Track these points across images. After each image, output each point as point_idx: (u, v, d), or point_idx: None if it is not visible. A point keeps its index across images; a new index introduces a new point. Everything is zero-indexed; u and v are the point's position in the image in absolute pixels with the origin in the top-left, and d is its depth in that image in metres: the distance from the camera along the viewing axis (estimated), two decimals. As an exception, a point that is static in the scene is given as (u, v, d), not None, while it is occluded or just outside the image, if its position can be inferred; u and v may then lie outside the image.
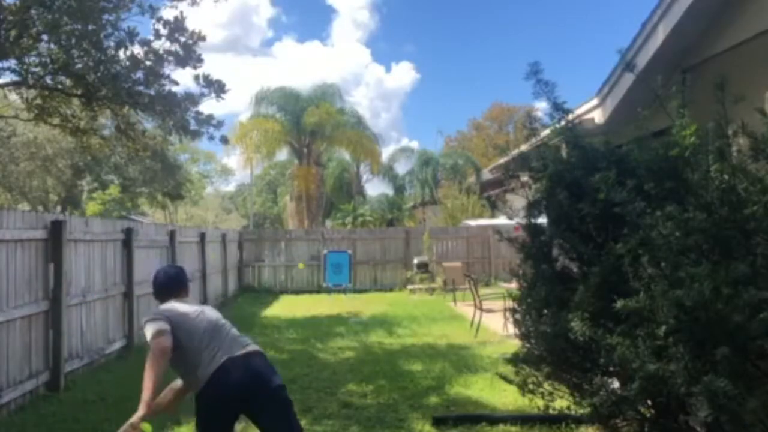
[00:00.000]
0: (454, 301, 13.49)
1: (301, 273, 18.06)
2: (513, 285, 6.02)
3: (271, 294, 16.99)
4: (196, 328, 3.24)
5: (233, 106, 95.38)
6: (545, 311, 4.00)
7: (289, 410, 3.27)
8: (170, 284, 3.59)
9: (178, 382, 3.42)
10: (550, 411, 4.15)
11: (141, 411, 2.96)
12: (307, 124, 25.11)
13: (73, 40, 8.36)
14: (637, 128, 3.71)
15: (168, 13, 11.19)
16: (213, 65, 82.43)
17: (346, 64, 76.38)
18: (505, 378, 4.53)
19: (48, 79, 9.24)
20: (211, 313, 3.46)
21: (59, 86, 9.41)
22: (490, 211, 23.32)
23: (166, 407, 3.38)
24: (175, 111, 9.09)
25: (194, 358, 3.16)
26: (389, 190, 32.68)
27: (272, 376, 3.24)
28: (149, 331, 3.15)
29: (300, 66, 73.15)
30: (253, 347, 3.30)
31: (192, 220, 44.93)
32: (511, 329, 6.11)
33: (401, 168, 32.73)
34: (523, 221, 4.39)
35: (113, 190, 28.35)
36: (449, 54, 74.25)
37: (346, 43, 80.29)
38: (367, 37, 79.54)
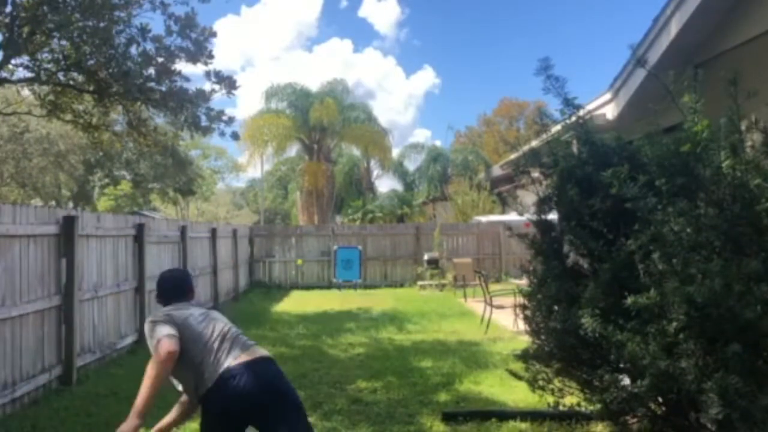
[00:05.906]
0: (465, 297, 13.48)
1: (312, 268, 18.10)
2: (523, 281, 5.99)
3: (282, 289, 17.06)
4: (202, 334, 3.03)
5: (254, 107, 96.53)
6: (555, 307, 3.98)
7: (306, 422, 3.10)
8: (175, 286, 3.42)
9: (183, 399, 3.22)
10: (561, 407, 4.15)
11: (133, 421, 2.69)
12: (311, 119, 25.16)
13: (85, 37, 8.43)
14: (648, 124, 3.68)
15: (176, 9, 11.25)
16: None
17: (372, 69, 77.35)
18: (515, 374, 4.52)
19: (60, 76, 9.34)
20: (218, 317, 3.26)
21: (71, 82, 9.50)
22: (501, 207, 23.27)
23: (169, 427, 3.20)
24: (187, 107, 9.15)
25: (199, 366, 2.94)
26: (399, 186, 32.69)
27: (288, 388, 3.06)
28: (155, 333, 2.93)
29: (329, 72, 74.82)
30: (261, 351, 3.09)
31: (203, 215, 45.16)
32: (522, 326, 6.09)
33: (411, 164, 32.75)
34: (534, 217, 4.38)
35: (125, 186, 28.60)
36: (467, 55, 74.48)
37: (372, 50, 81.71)
38: (393, 44, 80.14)
